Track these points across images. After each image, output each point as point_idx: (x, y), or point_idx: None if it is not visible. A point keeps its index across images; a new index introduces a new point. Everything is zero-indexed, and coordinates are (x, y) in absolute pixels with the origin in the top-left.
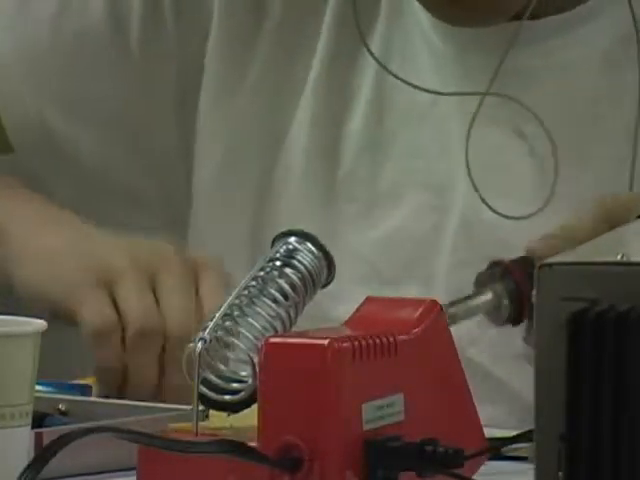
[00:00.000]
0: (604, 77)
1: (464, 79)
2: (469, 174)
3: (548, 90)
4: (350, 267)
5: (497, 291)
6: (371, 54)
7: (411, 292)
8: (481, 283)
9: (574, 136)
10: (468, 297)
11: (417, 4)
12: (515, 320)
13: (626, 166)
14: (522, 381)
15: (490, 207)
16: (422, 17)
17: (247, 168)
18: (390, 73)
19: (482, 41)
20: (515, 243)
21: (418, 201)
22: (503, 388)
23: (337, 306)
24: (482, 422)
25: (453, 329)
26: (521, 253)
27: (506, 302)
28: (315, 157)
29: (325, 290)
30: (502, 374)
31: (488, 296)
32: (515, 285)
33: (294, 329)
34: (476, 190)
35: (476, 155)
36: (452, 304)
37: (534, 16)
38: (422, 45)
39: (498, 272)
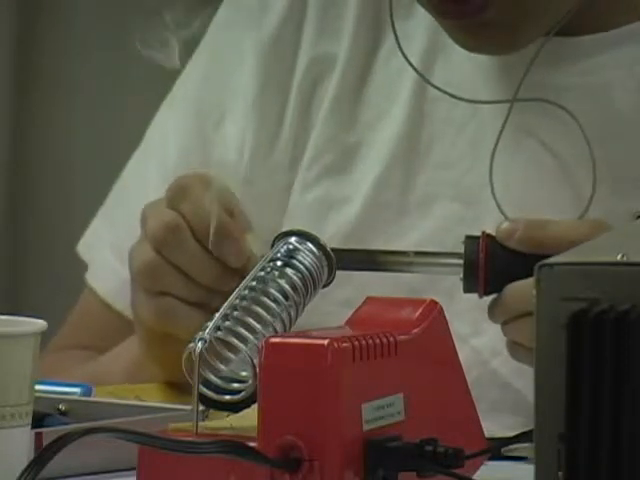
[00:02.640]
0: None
1: (505, 92)
2: (492, 190)
3: (584, 108)
4: (376, 275)
5: (460, 256)
6: (411, 65)
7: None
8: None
9: (608, 156)
10: (438, 254)
11: None
12: (472, 288)
13: None
14: (529, 388)
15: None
16: None
17: (278, 160)
18: (428, 83)
19: (522, 54)
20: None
21: (447, 212)
22: (522, 399)
23: None
24: (501, 432)
25: (477, 341)
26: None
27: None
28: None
29: (349, 300)
30: (522, 386)
31: (453, 259)
32: (476, 254)
33: (294, 329)
34: (498, 206)
35: (507, 167)
36: (422, 254)
37: (574, 33)
38: (463, 57)
39: (472, 240)
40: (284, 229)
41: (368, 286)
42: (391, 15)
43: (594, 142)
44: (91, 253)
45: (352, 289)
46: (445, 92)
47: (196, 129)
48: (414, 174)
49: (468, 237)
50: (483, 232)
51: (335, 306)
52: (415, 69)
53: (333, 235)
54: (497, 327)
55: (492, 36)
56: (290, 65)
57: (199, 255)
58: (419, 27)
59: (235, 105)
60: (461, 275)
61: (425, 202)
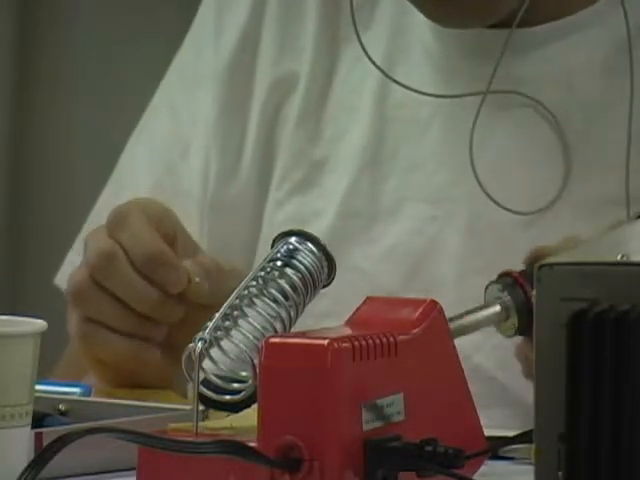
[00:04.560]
0: (604, 83)
1: (465, 87)
2: (475, 174)
3: (550, 96)
4: (351, 282)
5: (505, 303)
6: (375, 65)
7: None
8: (490, 294)
9: (579, 139)
10: (476, 309)
11: (417, 17)
12: (524, 331)
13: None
14: (525, 385)
15: (498, 203)
16: (423, 29)
17: (244, 183)
18: (396, 82)
19: (482, 48)
20: (522, 248)
21: (417, 214)
22: (508, 392)
23: (340, 320)
24: (488, 425)
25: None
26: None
27: (514, 314)
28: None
29: (327, 313)
30: (506, 379)
31: (496, 308)
32: (524, 296)
33: (294, 329)
34: (483, 189)
35: (481, 157)
36: (460, 316)
37: (531, 23)
38: (423, 57)
39: (507, 283)
40: (259, 249)
41: (345, 298)
42: (354, 21)
43: (565, 129)
44: None
45: (329, 302)
46: (409, 88)
47: (164, 161)
48: (382, 180)
49: (499, 282)
50: (511, 272)
51: (313, 319)
52: (380, 69)
53: None
54: None
55: (464, 6)
56: (249, 87)
57: (135, 283)
58: (378, 36)
59: (197, 135)
60: (508, 322)
61: (394, 207)
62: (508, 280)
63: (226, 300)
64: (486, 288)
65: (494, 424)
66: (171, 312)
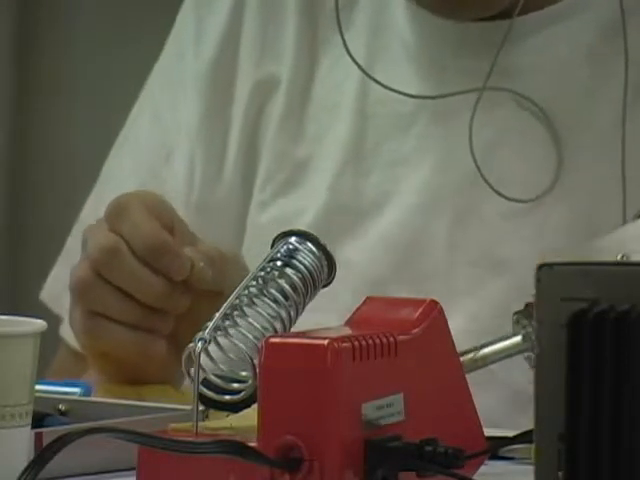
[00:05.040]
0: (591, 70)
1: (448, 82)
2: (475, 162)
3: (541, 86)
4: (340, 277)
5: (529, 334)
6: (356, 63)
7: (401, 293)
8: (517, 324)
9: (569, 128)
10: (500, 339)
11: (397, 15)
12: None
13: (618, 157)
14: (508, 370)
15: (496, 190)
16: (403, 26)
17: (228, 185)
18: (377, 82)
19: (470, 43)
20: (511, 238)
21: (403, 206)
22: (496, 378)
23: (330, 315)
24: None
25: None
26: (519, 248)
27: None
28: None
29: (314, 302)
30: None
31: (518, 338)
32: None
33: (294, 329)
34: (483, 177)
35: (474, 150)
36: (483, 346)
37: (519, 13)
38: (403, 54)
39: (532, 313)
40: (245, 250)
41: (335, 292)
42: (338, 20)
43: (554, 120)
44: (61, 303)
45: (319, 296)
46: (389, 88)
47: (148, 167)
48: (366, 175)
49: (525, 312)
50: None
51: (304, 314)
52: (361, 67)
53: None
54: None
55: None
56: (230, 90)
57: (140, 274)
58: (357, 36)
59: (181, 139)
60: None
61: (379, 200)
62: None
63: (230, 288)
64: (513, 318)
65: (479, 408)
66: (177, 302)
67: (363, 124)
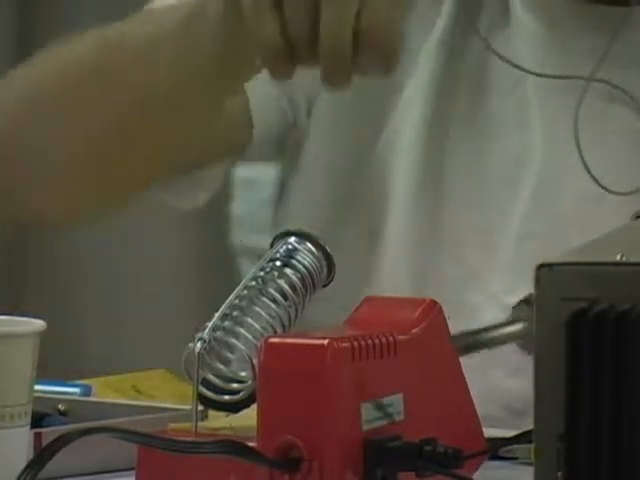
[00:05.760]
0: None
1: (565, 64)
2: (579, 151)
3: None
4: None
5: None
6: (486, 42)
7: (474, 256)
8: (517, 311)
9: None
10: (499, 325)
11: None
12: None
13: None
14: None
15: (595, 178)
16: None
17: (354, 133)
18: (501, 57)
19: (586, 26)
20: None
21: (495, 172)
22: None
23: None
24: None
25: None
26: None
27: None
28: (423, 128)
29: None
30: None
31: (518, 326)
32: None
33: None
34: (586, 168)
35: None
36: (480, 331)
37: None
38: (522, 31)
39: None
40: None
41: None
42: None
43: None
44: None
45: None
46: (513, 64)
47: None
48: (481, 143)
49: (527, 300)
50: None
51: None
52: (493, 50)
53: None
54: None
55: None
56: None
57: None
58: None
59: None
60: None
61: (477, 166)
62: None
63: None
64: (513, 307)
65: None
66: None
67: (483, 94)
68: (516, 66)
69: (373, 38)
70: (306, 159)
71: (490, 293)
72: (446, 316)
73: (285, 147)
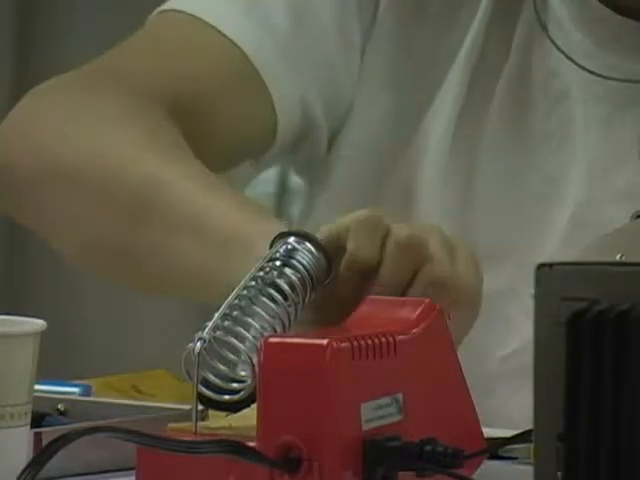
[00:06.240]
0: None
1: (616, 69)
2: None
3: None
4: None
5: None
6: (553, 42)
7: (508, 271)
8: None
9: None
10: None
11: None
12: None
13: None
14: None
15: None
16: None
17: (394, 131)
18: (569, 58)
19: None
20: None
21: (532, 188)
22: None
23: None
24: None
25: None
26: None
27: None
28: (452, 141)
29: None
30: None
31: None
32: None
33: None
34: None
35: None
36: None
37: None
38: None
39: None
40: None
41: None
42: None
43: None
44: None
45: None
46: (583, 67)
47: None
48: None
49: None
50: None
51: None
52: (558, 47)
53: None
54: None
55: None
56: None
57: None
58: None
59: None
60: None
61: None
62: None
63: None
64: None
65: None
66: None
67: (521, 94)
68: (591, 72)
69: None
70: (335, 178)
71: (525, 309)
72: (482, 327)
73: (313, 161)
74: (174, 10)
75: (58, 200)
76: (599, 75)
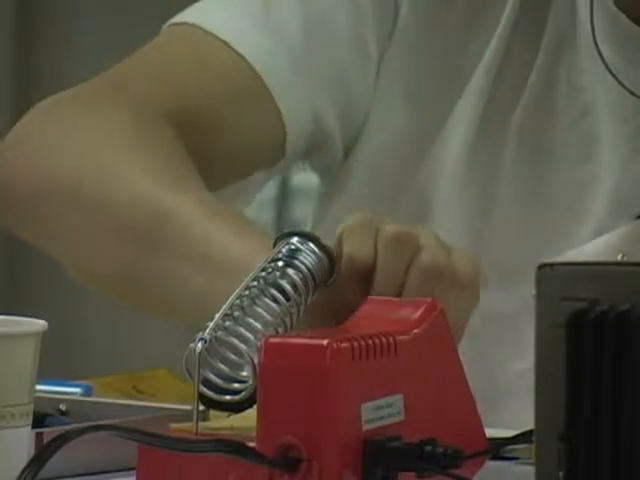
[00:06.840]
0: None
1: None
2: None
3: None
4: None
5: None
6: (601, 57)
7: (529, 285)
8: None
9: None
10: None
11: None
12: None
13: None
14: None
15: None
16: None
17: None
18: (614, 77)
19: None
20: None
21: (555, 202)
22: None
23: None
24: None
25: None
26: None
27: None
28: (477, 141)
29: None
30: None
31: None
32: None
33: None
34: None
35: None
36: None
37: None
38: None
39: None
40: None
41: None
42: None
43: None
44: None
45: None
46: (625, 87)
47: None
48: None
49: None
50: None
51: None
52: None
53: None
54: None
55: None
56: None
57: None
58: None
59: None
60: None
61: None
62: None
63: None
64: None
65: None
66: None
67: (544, 110)
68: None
69: None
70: (353, 183)
71: None
72: (497, 342)
73: (331, 166)
74: (185, 23)
75: (56, 216)
76: (629, 91)
